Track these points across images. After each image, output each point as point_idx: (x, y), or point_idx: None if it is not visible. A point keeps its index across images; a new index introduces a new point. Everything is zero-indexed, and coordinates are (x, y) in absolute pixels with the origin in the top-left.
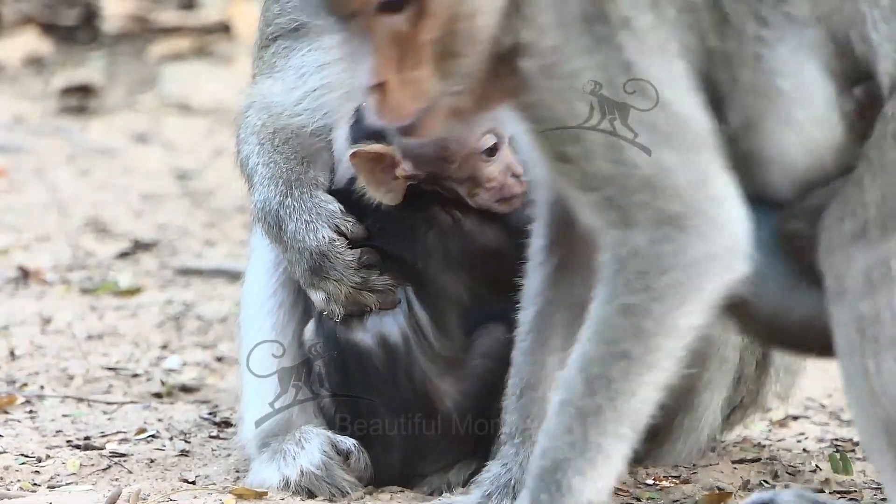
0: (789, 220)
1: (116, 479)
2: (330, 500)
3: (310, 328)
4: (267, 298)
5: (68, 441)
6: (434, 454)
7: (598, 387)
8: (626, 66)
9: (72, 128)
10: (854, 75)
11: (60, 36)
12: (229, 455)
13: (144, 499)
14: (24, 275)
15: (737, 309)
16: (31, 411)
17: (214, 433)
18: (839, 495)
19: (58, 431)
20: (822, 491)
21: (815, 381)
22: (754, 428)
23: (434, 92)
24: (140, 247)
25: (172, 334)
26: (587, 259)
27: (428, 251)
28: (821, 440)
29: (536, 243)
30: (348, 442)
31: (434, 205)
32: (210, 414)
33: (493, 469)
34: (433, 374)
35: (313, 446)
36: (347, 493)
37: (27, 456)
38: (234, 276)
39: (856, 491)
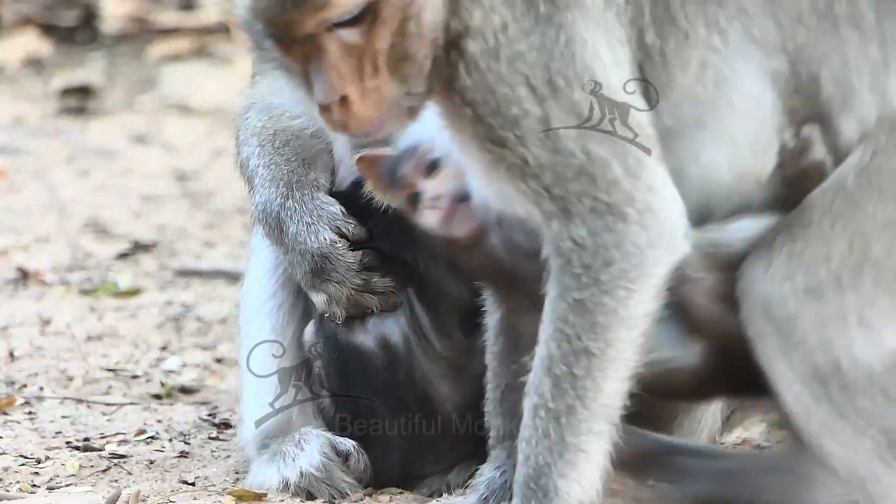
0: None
1: (116, 481)
2: (329, 502)
3: (310, 329)
4: (267, 299)
5: (68, 442)
6: (434, 456)
7: (565, 387)
8: (569, 48)
9: (71, 129)
10: (804, 114)
11: (60, 37)
12: (229, 456)
13: (144, 500)
14: (24, 276)
15: None
16: (30, 412)
17: (214, 434)
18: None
19: (57, 432)
20: None
21: None
22: (754, 430)
23: (394, 96)
24: (140, 248)
25: (172, 335)
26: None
27: (429, 253)
28: None
29: None
30: (348, 443)
31: None
32: (209, 415)
33: (486, 472)
34: (434, 375)
35: (313, 447)
36: (347, 494)
37: (26, 457)
38: (233, 277)
39: None
